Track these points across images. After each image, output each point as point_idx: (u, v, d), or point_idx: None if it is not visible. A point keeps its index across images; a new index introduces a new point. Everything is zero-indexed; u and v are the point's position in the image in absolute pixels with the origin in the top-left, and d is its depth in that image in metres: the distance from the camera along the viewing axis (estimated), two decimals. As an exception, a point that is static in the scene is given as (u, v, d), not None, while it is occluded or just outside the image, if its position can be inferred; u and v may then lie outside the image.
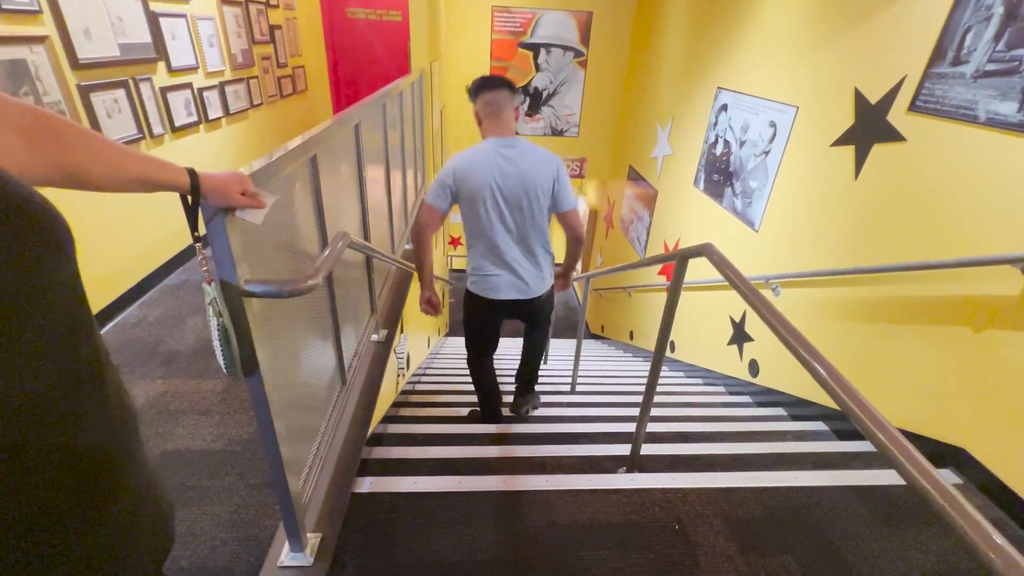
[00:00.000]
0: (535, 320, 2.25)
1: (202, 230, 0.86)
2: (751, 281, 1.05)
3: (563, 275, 2.25)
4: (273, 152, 1.10)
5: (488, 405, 2.42)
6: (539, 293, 2.04)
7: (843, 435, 2.19)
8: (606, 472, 1.80)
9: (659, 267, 4.54)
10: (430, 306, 2.11)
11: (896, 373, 1.97)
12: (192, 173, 0.77)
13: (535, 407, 2.49)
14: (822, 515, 1.52)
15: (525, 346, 2.41)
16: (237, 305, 0.91)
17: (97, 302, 2.37)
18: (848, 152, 2.25)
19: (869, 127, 2.12)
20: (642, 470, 1.78)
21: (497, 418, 2.42)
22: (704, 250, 1.23)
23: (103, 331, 2.37)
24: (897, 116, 1.98)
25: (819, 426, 2.33)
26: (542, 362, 3.12)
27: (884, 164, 2.06)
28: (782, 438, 2.19)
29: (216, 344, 0.90)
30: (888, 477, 1.69)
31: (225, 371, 0.95)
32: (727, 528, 1.47)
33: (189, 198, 0.79)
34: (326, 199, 1.46)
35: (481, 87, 1.83)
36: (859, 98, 2.18)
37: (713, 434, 2.25)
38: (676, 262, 1.38)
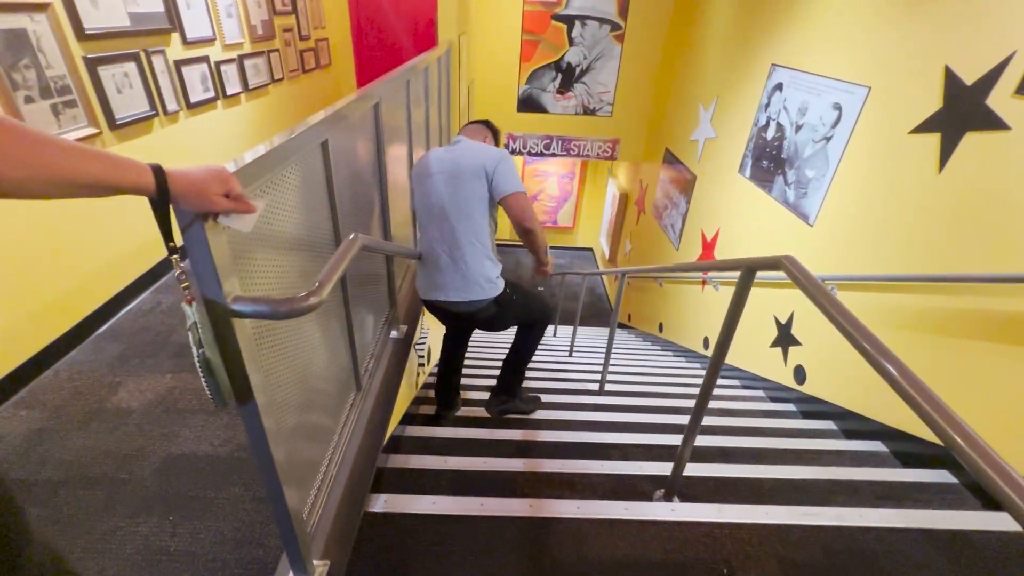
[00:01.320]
0: (482, 325, 2.01)
1: (179, 240, 0.71)
2: None
3: (535, 267, 1.97)
4: (273, 138, 0.94)
5: (440, 389, 2.28)
6: (460, 298, 1.80)
7: (907, 460, 1.97)
8: (642, 495, 1.63)
9: (695, 259, 4.28)
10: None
11: (975, 396, 1.73)
12: (158, 172, 0.61)
13: (509, 413, 2.30)
14: (893, 566, 1.33)
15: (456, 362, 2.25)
16: (225, 327, 0.76)
17: (111, 287, 2.29)
18: (931, 141, 1.96)
19: (961, 112, 1.84)
20: (682, 496, 1.60)
21: (448, 404, 2.29)
22: (782, 263, 1.02)
23: (116, 317, 2.30)
24: (1000, 100, 1.69)
25: (877, 446, 2.11)
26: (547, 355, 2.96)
27: (977, 156, 1.78)
28: (837, 460, 1.98)
29: (200, 374, 0.76)
30: (971, 521, 1.48)
31: (213, 402, 0.81)
32: (783, 574, 1.29)
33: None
34: (340, 188, 1.30)
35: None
36: (950, 78, 1.89)
37: (756, 451, 2.06)
38: (742, 273, 1.18)
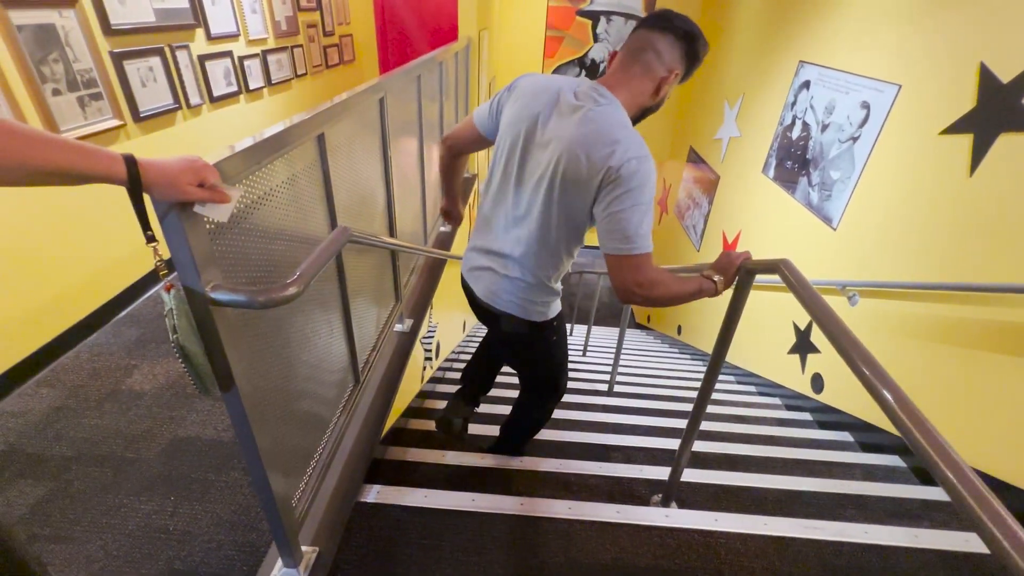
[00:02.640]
0: (511, 352, 1.55)
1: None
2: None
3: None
4: (264, 130, 0.95)
5: (464, 387, 1.79)
6: (499, 307, 1.31)
7: (926, 478, 1.88)
8: (638, 499, 1.60)
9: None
10: (447, 216, 1.64)
11: (999, 412, 1.64)
12: (130, 161, 0.62)
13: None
14: (897, 586, 1.27)
15: (492, 368, 1.81)
16: (205, 315, 0.78)
17: (134, 273, 2.38)
18: (963, 142, 1.86)
19: (996, 112, 1.73)
20: (680, 502, 1.57)
21: (461, 405, 1.75)
22: (778, 266, 0.98)
23: (136, 303, 2.39)
24: (1038, 99, 1.59)
25: (895, 461, 2.02)
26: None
27: (1012, 158, 1.67)
28: (849, 473, 1.90)
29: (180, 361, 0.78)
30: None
31: (196, 390, 0.83)
32: (777, 589, 1.25)
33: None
34: (338, 182, 1.31)
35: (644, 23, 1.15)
36: (985, 76, 1.78)
37: (765, 460, 2.00)
38: (740, 275, 1.14)
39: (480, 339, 1.87)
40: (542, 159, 1.10)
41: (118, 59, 2.10)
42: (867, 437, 2.23)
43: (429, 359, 2.56)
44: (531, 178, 1.13)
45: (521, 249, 1.21)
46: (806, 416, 2.65)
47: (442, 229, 3.02)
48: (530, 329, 1.33)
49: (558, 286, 1.31)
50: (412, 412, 2.30)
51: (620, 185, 0.99)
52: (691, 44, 1.12)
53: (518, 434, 1.81)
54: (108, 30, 2.05)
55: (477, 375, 1.79)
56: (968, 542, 1.40)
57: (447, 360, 3.32)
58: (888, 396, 0.64)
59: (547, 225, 1.14)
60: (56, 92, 1.86)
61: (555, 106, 1.09)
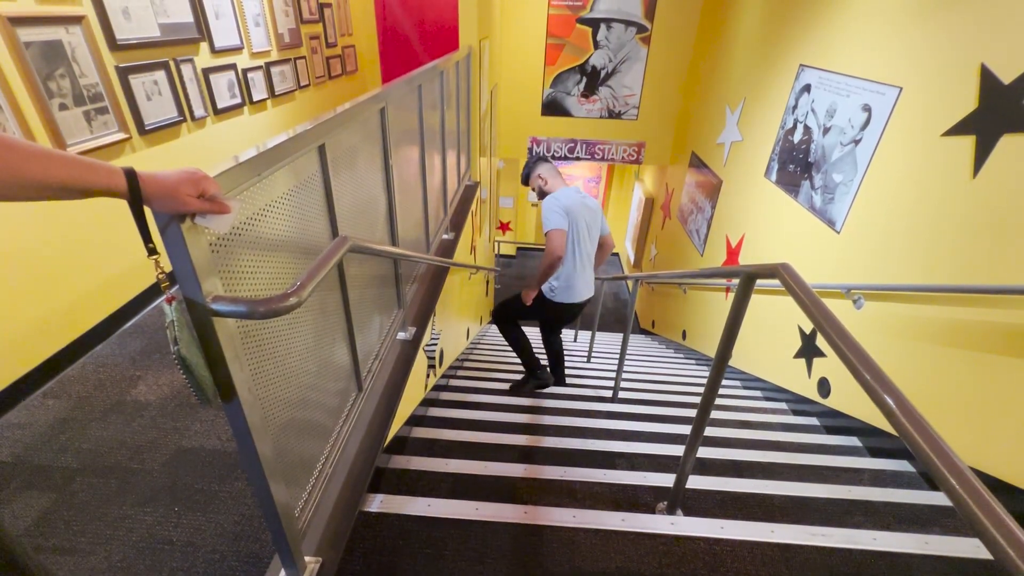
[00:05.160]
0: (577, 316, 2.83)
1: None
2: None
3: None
4: (267, 141, 0.96)
5: (534, 363, 2.94)
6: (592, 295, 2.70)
7: (935, 482, 1.85)
8: (643, 507, 1.59)
9: (719, 265, 4.16)
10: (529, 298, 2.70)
11: (1007, 415, 1.62)
12: (130, 175, 0.63)
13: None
14: (907, 594, 1.25)
15: (555, 341, 2.98)
16: (206, 326, 0.78)
17: (138, 285, 2.40)
18: (966, 144, 1.85)
19: (998, 113, 1.72)
20: (685, 509, 1.56)
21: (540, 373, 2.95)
22: (778, 271, 0.98)
23: (141, 314, 2.40)
24: (1040, 99, 1.58)
25: (903, 466, 1.99)
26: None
27: (1015, 159, 1.66)
28: (856, 479, 1.88)
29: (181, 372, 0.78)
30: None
31: (197, 400, 0.83)
32: (785, 597, 1.24)
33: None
34: (340, 193, 1.32)
35: (534, 165, 2.63)
36: (986, 77, 1.78)
37: (771, 466, 1.97)
38: (741, 280, 1.13)
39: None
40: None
41: (124, 73, 2.13)
42: (875, 442, 2.20)
43: (432, 367, 2.56)
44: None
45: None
46: (813, 421, 2.62)
47: (444, 237, 3.03)
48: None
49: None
50: (415, 420, 2.29)
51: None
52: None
53: (563, 367, 3.12)
54: (114, 45, 2.08)
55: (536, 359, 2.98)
56: (979, 548, 1.38)
57: (451, 368, 3.31)
58: (888, 400, 0.63)
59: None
60: (63, 107, 1.89)
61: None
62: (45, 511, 1.42)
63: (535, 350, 2.95)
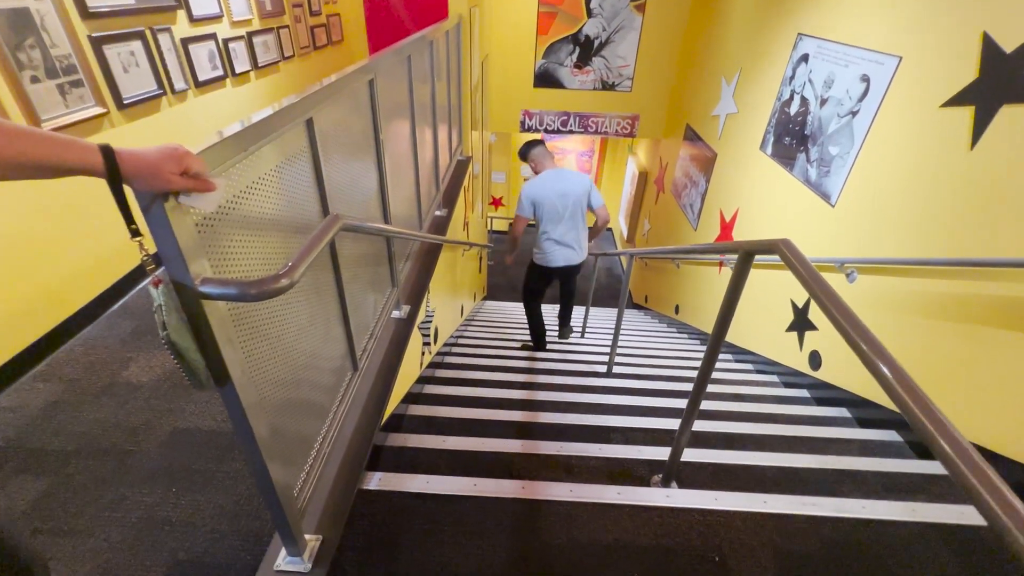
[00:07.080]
0: (573, 276, 3.38)
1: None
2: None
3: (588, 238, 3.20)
4: (253, 115, 0.92)
5: (539, 333, 3.58)
6: (581, 261, 3.21)
7: (924, 451, 1.90)
8: (639, 480, 1.62)
9: (712, 239, 4.16)
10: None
11: (1000, 387, 1.65)
12: (107, 152, 0.60)
13: (571, 333, 3.86)
14: (896, 561, 1.29)
15: (564, 294, 3.59)
16: (196, 308, 0.76)
17: (126, 265, 2.35)
18: (964, 115, 1.83)
19: (998, 83, 1.70)
20: (680, 481, 1.58)
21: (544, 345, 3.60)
22: (778, 247, 0.97)
23: (130, 295, 2.36)
24: (1041, 69, 1.56)
25: (891, 436, 2.04)
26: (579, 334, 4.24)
27: (1014, 131, 1.65)
28: (846, 449, 1.92)
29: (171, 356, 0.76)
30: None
31: (190, 384, 0.82)
32: (776, 564, 1.27)
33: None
34: (329, 169, 1.28)
35: (528, 149, 3.07)
36: (988, 45, 1.74)
37: (763, 438, 2.01)
38: (739, 257, 1.12)
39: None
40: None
41: (97, 43, 2.03)
42: (864, 413, 2.24)
43: (428, 344, 2.56)
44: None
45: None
46: (804, 393, 2.67)
47: (437, 213, 2.99)
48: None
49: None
50: (412, 398, 2.30)
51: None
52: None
53: (574, 302, 3.73)
54: (85, 13, 1.97)
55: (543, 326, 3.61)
56: (963, 514, 1.42)
57: (446, 345, 3.32)
58: (886, 371, 0.63)
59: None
60: (35, 79, 1.81)
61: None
62: (42, 494, 1.41)
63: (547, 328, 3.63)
